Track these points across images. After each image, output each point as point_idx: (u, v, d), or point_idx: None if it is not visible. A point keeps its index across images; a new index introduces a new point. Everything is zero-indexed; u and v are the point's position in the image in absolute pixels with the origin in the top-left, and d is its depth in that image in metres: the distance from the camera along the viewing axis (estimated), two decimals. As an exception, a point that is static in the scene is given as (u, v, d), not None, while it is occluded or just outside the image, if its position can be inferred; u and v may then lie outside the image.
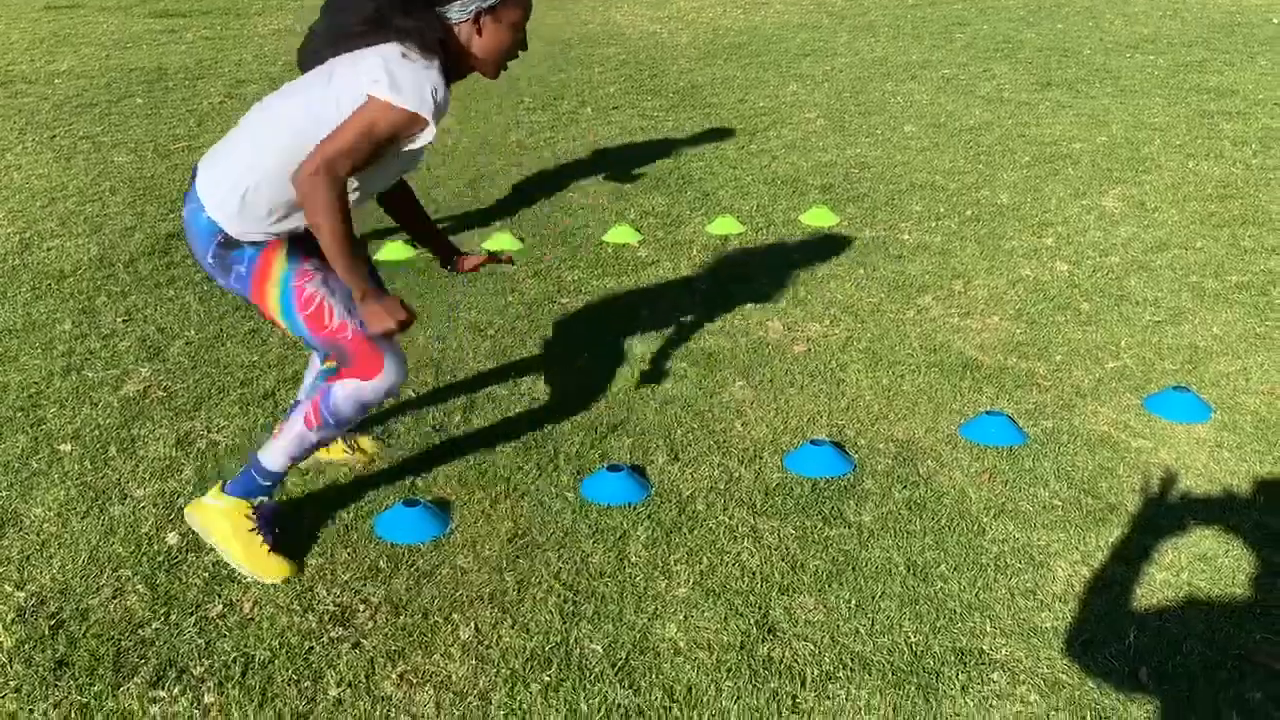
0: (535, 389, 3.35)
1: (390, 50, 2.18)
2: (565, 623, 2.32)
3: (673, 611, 2.36)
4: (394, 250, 4.43)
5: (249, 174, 2.22)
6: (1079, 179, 5.53)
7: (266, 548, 2.45)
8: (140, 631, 2.28)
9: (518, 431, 3.09)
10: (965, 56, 8.61)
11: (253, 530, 2.45)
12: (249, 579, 2.43)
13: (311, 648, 2.24)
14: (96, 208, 4.93)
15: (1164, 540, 2.62)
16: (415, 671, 2.18)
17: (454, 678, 2.17)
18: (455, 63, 2.29)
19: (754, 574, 2.49)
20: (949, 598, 2.42)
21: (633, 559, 2.54)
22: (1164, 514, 2.73)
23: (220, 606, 2.35)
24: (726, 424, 3.16)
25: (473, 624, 2.32)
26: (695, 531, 2.65)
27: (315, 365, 2.74)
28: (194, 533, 2.57)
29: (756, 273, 4.33)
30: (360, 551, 2.55)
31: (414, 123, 2.16)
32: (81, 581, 2.43)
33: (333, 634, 2.28)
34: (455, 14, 2.23)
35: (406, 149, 2.23)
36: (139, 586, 2.41)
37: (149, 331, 3.69)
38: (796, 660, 2.23)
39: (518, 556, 2.54)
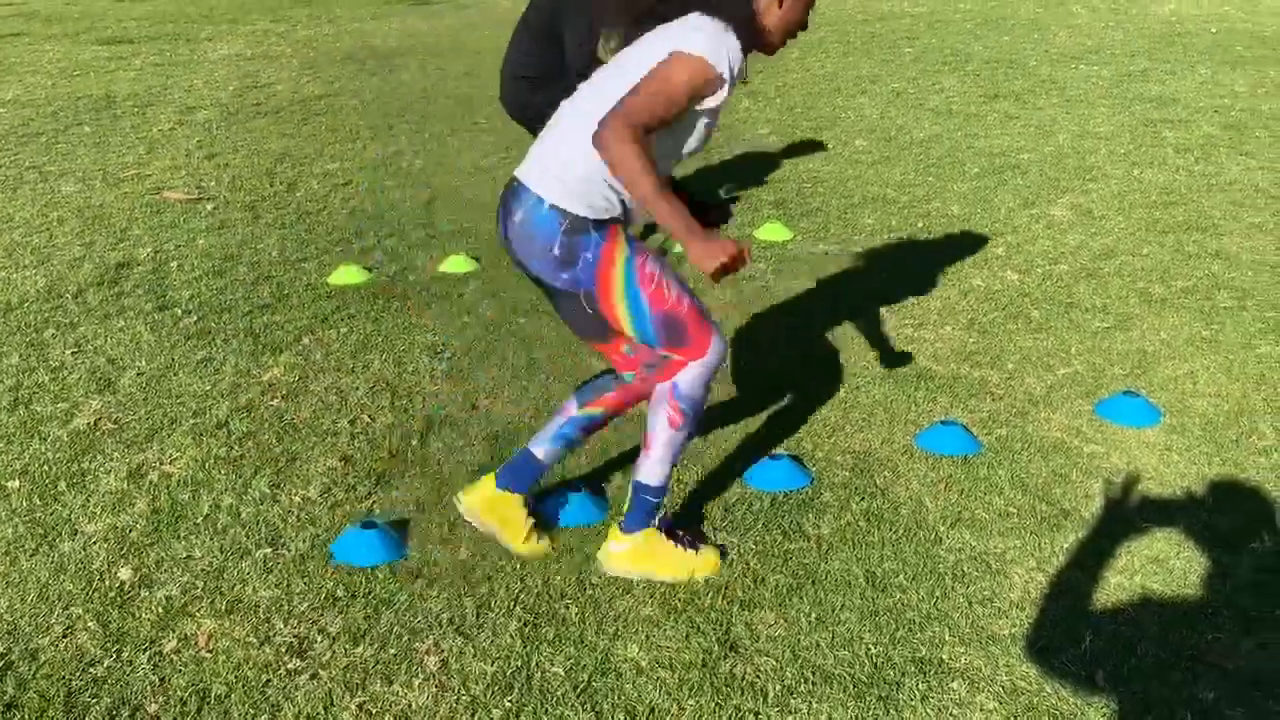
0: (493, 410, 3.33)
1: (693, 16, 2.29)
2: (526, 646, 2.31)
3: (634, 631, 2.36)
4: (346, 275, 4.41)
5: (580, 148, 2.29)
6: (1028, 189, 5.62)
7: (692, 552, 2.56)
8: (92, 670, 2.23)
9: (476, 453, 3.08)
10: (914, 70, 8.73)
11: (673, 546, 2.55)
12: (685, 582, 2.53)
13: (269, 680, 2.21)
14: (44, 238, 4.85)
15: (1117, 544, 2.65)
16: (375, 701, 2.16)
17: (414, 706, 2.15)
18: (750, 35, 2.35)
19: (715, 590, 2.50)
20: (908, 608, 2.44)
21: (594, 579, 2.53)
22: (1117, 518, 2.77)
23: (175, 641, 2.32)
24: (685, 441, 3.16)
25: (433, 651, 2.30)
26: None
27: (565, 410, 2.62)
28: (148, 567, 2.53)
29: (711, 290, 4.35)
30: (317, 580, 2.52)
31: (709, 77, 2.22)
32: (30, 621, 2.38)
33: (290, 666, 2.25)
34: None
35: (700, 107, 2.28)
36: (90, 624, 2.37)
37: (99, 363, 3.64)
38: (759, 676, 2.23)
39: (477, 581, 2.53)
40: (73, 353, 3.72)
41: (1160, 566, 2.57)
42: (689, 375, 2.43)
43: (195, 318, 4.01)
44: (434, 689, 2.19)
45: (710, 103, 2.28)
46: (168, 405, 3.35)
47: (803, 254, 4.76)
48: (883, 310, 4.11)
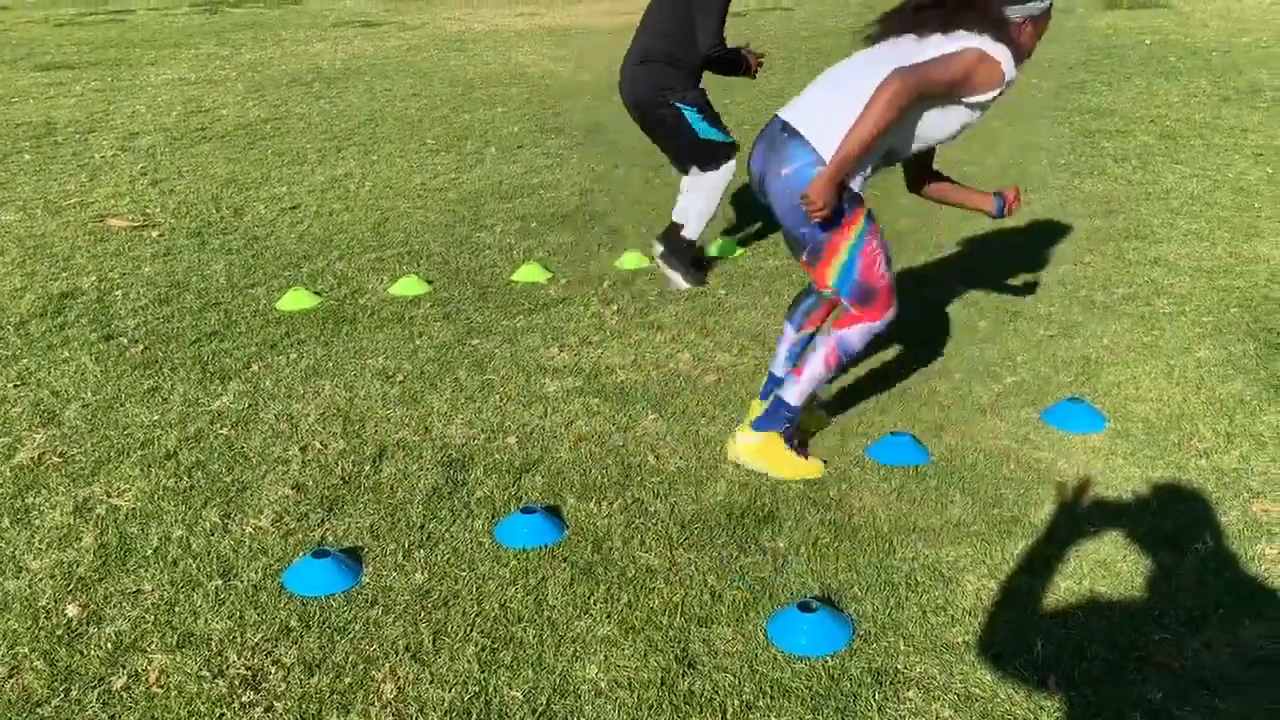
0: (446, 433, 3.32)
1: (979, 29, 2.71)
2: (484, 671, 2.30)
3: (593, 652, 2.36)
4: (295, 299, 4.37)
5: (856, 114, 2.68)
6: (972, 200, 5.70)
7: (803, 459, 3.06)
8: (39, 711, 2.19)
9: (430, 477, 3.06)
10: (859, 85, 8.84)
11: (789, 449, 3.03)
12: (793, 481, 3.00)
13: (222, 715, 2.18)
14: (-17, 269, 4.76)
15: (1066, 549, 2.70)
16: (331, 732, 2.14)
17: (371, 735, 2.13)
18: (1015, 55, 2.77)
19: (673, 608, 2.50)
20: (863, 619, 2.46)
21: (551, 601, 2.53)
22: (1065, 523, 2.82)
23: (125, 678, 2.28)
24: (640, 458, 3.17)
25: (389, 679, 2.28)
26: (612, 569, 2.65)
27: (788, 336, 3.16)
28: (97, 603, 2.49)
29: (665, 306, 4.37)
30: (270, 611, 2.49)
31: (995, 79, 2.70)
32: (-26, 662, 2.32)
33: (244, 699, 2.22)
34: (1012, 13, 2.77)
35: (970, 99, 2.74)
36: (37, 663, 2.32)
37: (43, 395, 3.57)
38: (717, 692, 2.24)
39: (433, 606, 2.51)
40: (15, 386, 3.65)
41: (1107, 570, 2.62)
42: (856, 331, 2.92)
43: (142, 347, 3.95)
44: (391, 718, 2.17)
45: (980, 97, 2.73)
46: (114, 437, 3.30)
47: (752, 269, 4.80)
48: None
